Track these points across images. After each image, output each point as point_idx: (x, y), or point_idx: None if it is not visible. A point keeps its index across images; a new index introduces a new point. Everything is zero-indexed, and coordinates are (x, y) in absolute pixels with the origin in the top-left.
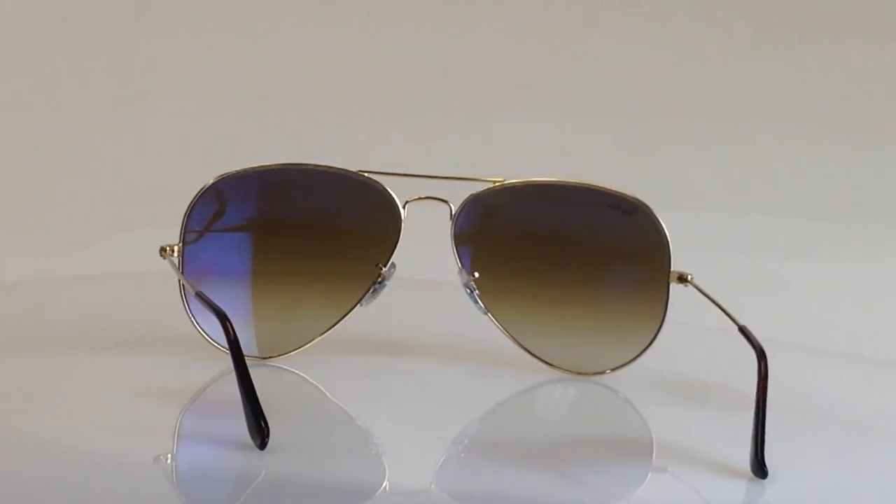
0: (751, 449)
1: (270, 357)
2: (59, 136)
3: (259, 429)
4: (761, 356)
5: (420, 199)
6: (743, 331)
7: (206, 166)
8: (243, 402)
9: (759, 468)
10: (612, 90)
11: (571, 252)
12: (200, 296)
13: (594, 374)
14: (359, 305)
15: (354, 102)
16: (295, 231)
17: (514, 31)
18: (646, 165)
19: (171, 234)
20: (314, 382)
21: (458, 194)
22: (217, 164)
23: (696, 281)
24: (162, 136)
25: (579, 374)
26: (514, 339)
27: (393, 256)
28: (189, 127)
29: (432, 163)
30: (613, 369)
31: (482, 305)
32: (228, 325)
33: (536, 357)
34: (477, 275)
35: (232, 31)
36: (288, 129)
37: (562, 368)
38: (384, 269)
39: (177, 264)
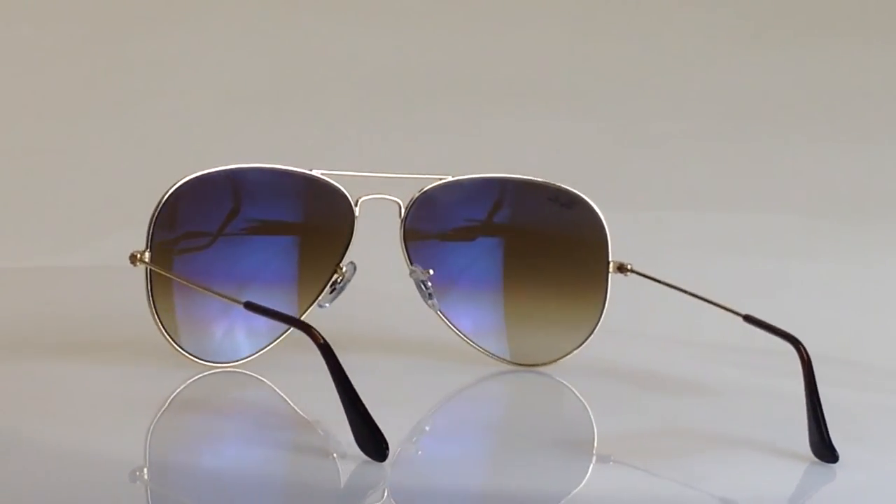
0: (812, 434)
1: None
2: (59, 137)
3: (378, 439)
4: (794, 342)
5: (371, 197)
6: (750, 319)
7: (205, 166)
8: (351, 411)
9: (830, 452)
10: (613, 90)
11: (516, 246)
12: (254, 306)
13: (540, 364)
14: (316, 305)
15: (350, 102)
16: (260, 233)
17: (512, 30)
18: (646, 165)
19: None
20: (271, 385)
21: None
22: (216, 164)
23: (637, 269)
24: (162, 136)
25: (525, 365)
26: (462, 334)
27: (347, 256)
28: (189, 127)
29: (432, 163)
30: (558, 359)
31: (435, 302)
32: (315, 332)
33: (484, 351)
34: (432, 272)
35: (232, 31)
36: (288, 130)
37: (508, 361)
38: (344, 268)
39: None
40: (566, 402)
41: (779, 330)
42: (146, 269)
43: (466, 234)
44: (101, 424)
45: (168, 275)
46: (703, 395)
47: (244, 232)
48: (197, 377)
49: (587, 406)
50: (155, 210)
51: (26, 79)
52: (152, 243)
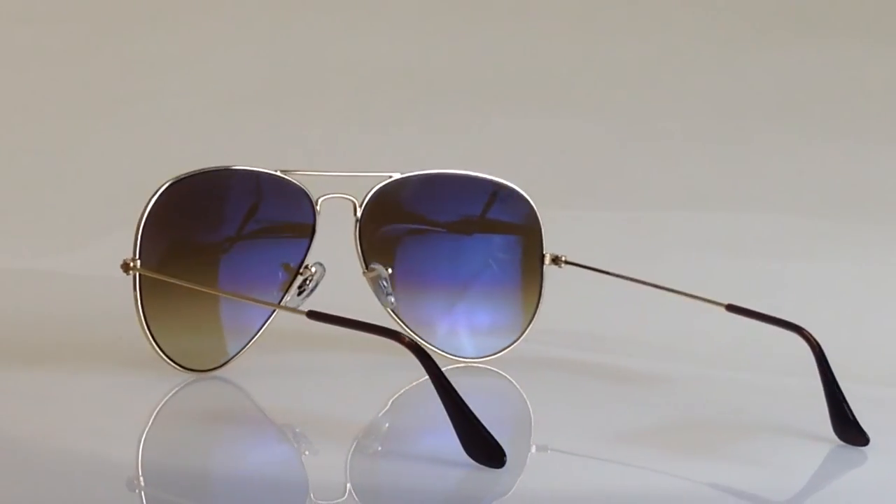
0: (835, 420)
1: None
2: (58, 137)
3: (494, 446)
4: (797, 329)
5: (329, 196)
6: (733, 308)
7: (201, 166)
8: (462, 421)
9: (860, 434)
10: (612, 89)
11: (458, 242)
12: (321, 315)
13: (483, 358)
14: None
15: (349, 103)
16: (243, 234)
17: (511, 29)
18: (646, 165)
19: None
20: (238, 385)
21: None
22: (216, 163)
23: (571, 259)
24: (161, 136)
25: (468, 359)
26: (412, 331)
27: (309, 255)
28: (189, 127)
29: (432, 163)
30: (499, 353)
31: (392, 300)
32: (411, 342)
33: (432, 347)
34: (390, 270)
35: (231, 31)
36: (288, 130)
37: (454, 356)
38: (313, 269)
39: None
40: (506, 395)
41: (774, 318)
42: (137, 276)
43: (414, 231)
44: (92, 434)
45: (181, 282)
46: (654, 384)
47: (228, 234)
48: (186, 384)
49: (526, 398)
50: (140, 220)
51: (26, 79)
52: (141, 251)
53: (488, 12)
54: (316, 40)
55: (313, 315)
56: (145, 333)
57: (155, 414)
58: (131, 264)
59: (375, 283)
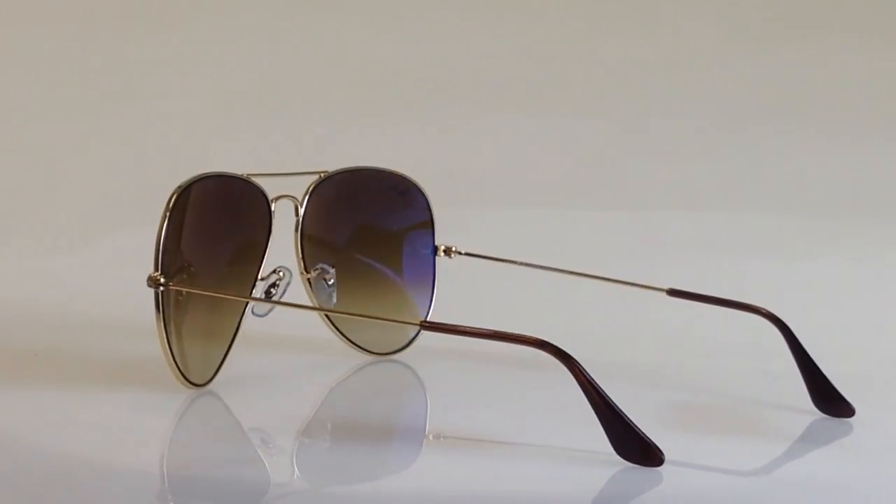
0: (816, 394)
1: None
2: (58, 137)
3: (650, 445)
4: (755, 310)
5: (279, 196)
6: (674, 292)
7: (207, 166)
8: (616, 422)
9: (846, 405)
10: (612, 89)
11: (368, 237)
12: (438, 326)
13: (391, 353)
14: (250, 313)
15: (349, 103)
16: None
17: (513, 30)
18: (646, 165)
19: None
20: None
21: None
22: (216, 163)
23: (461, 249)
24: (161, 136)
25: (380, 354)
26: (337, 330)
27: (266, 256)
28: (189, 127)
29: (432, 163)
30: (404, 347)
31: (335, 299)
32: (572, 362)
33: (351, 343)
34: (333, 269)
35: (232, 31)
36: (287, 129)
37: (367, 350)
38: (281, 273)
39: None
40: (406, 387)
41: (730, 301)
42: (162, 292)
43: (338, 229)
44: (114, 451)
45: (219, 294)
46: (546, 368)
47: (239, 242)
48: (204, 394)
49: (425, 388)
50: (160, 234)
51: (26, 79)
52: (163, 265)
53: (488, 12)
54: (315, 41)
55: (434, 326)
56: (167, 351)
57: (174, 425)
58: (161, 280)
59: (317, 282)
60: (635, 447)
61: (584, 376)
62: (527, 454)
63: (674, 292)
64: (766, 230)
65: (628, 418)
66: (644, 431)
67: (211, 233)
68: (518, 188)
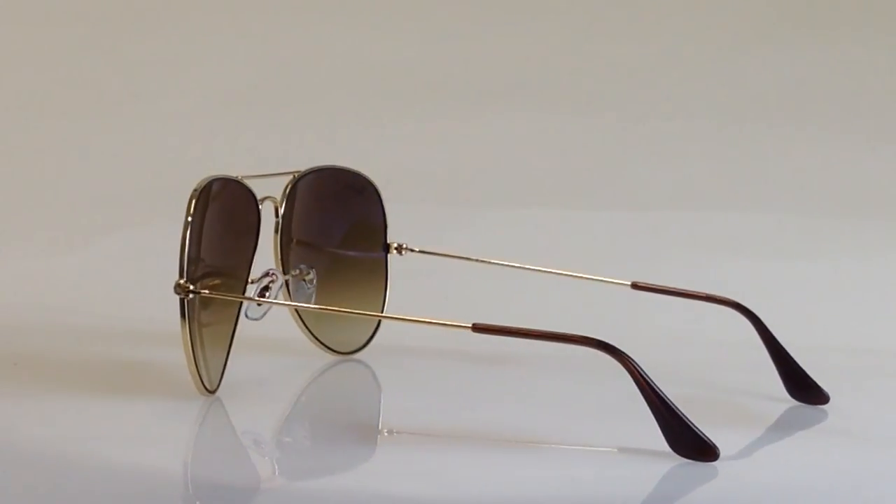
0: (790, 382)
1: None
2: (58, 137)
3: (705, 441)
4: (730, 303)
5: (262, 199)
6: (637, 286)
7: (206, 166)
8: (674, 420)
9: (820, 392)
10: (612, 89)
11: (329, 236)
12: (489, 328)
13: (352, 352)
14: (244, 315)
15: (349, 103)
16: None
17: (512, 30)
18: (646, 165)
19: (173, 234)
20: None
21: None
22: (216, 164)
23: (412, 247)
24: (162, 136)
25: (342, 353)
26: (308, 329)
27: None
28: (189, 127)
29: (434, 162)
30: (364, 345)
31: (314, 299)
32: (627, 360)
33: (319, 343)
34: (313, 270)
35: (232, 31)
36: (288, 129)
37: (333, 350)
38: (275, 276)
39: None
40: (363, 386)
41: (695, 294)
42: (187, 299)
43: (310, 229)
44: (136, 457)
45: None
46: (505, 362)
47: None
48: (217, 398)
49: (381, 387)
50: (184, 241)
51: (26, 79)
52: (187, 272)
53: (487, 11)
54: (315, 40)
55: (477, 328)
56: (191, 360)
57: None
58: (191, 287)
59: (297, 283)
60: (690, 444)
61: (640, 374)
62: (571, 455)
63: (638, 286)
64: (767, 230)
65: (684, 415)
66: (700, 428)
67: (222, 237)
68: (518, 188)
